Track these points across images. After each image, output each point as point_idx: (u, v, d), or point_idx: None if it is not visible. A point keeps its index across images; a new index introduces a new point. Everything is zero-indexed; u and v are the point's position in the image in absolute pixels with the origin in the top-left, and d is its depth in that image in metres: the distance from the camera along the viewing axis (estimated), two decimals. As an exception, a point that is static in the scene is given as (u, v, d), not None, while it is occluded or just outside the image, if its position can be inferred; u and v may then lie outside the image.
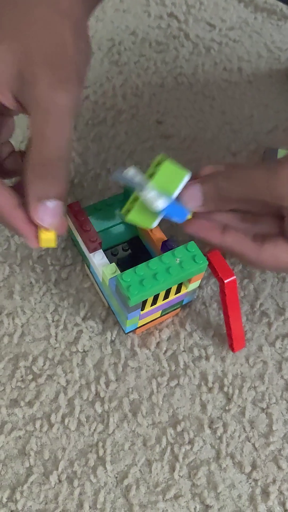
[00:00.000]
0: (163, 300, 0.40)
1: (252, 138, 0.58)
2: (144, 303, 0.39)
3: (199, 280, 0.41)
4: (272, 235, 0.40)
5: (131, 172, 0.36)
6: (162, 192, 0.36)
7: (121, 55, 0.64)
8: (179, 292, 0.41)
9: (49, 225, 0.33)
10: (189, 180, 0.37)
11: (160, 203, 0.35)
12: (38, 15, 0.33)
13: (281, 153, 0.55)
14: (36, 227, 0.34)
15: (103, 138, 0.56)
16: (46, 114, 0.32)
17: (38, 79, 0.31)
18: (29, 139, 0.33)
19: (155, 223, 0.37)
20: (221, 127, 0.58)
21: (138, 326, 0.42)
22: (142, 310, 0.39)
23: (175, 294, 0.40)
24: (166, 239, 0.42)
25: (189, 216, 0.38)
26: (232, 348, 0.44)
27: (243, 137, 0.58)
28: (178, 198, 0.37)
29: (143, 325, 0.42)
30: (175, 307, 0.43)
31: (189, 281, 0.40)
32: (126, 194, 0.44)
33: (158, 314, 0.42)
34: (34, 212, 0.33)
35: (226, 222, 0.40)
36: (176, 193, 0.37)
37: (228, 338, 0.44)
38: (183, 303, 0.44)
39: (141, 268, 0.37)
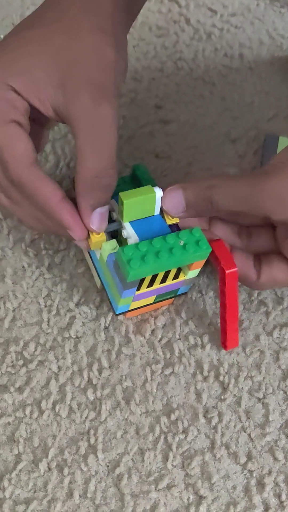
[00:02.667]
0: (160, 283, 0.39)
1: (252, 125, 0.57)
2: (140, 283, 0.38)
3: (198, 269, 0.39)
4: (267, 251, 0.40)
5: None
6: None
7: (120, 38, 0.62)
8: (177, 278, 0.39)
9: (101, 229, 0.36)
10: (172, 185, 0.38)
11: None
12: (84, 32, 0.34)
13: (281, 140, 0.54)
14: (81, 223, 0.35)
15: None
16: (93, 127, 0.33)
17: (82, 92, 0.32)
18: (78, 152, 0.33)
19: None
20: (221, 113, 0.57)
21: (129, 309, 0.41)
22: (137, 290, 0.38)
23: (173, 279, 0.39)
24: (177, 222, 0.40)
25: (176, 220, 0.39)
26: (224, 345, 0.42)
27: (243, 124, 0.57)
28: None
29: (135, 309, 0.41)
30: (169, 296, 0.42)
31: (189, 267, 0.39)
32: (132, 176, 0.43)
33: (152, 299, 0.41)
34: (88, 220, 0.35)
35: (224, 237, 0.40)
36: (157, 210, 0.38)
37: (222, 334, 0.42)
38: (178, 293, 0.42)
39: (144, 244, 0.36)
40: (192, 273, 0.40)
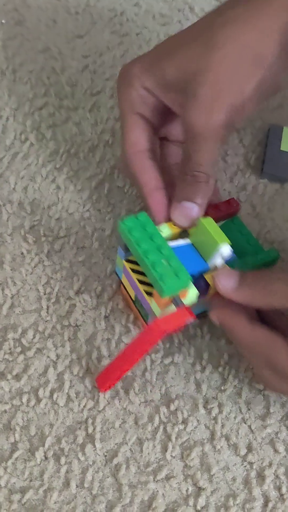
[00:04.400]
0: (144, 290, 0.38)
1: (256, 115, 0.56)
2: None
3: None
4: None
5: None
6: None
7: (123, 25, 0.61)
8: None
9: (179, 222, 0.38)
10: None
11: None
12: (219, 44, 0.37)
13: (286, 130, 0.53)
14: (165, 212, 0.39)
15: (102, 108, 0.54)
16: (198, 136, 0.37)
17: (199, 102, 0.37)
18: (184, 150, 0.39)
19: None
20: (225, 103, 0.56)
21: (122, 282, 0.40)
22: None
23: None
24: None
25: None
26: (97, 380, 0.39)
27: (247, 114, 0.56)
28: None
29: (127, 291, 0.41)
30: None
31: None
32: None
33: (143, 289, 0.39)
34: (172, 209, 0.38)
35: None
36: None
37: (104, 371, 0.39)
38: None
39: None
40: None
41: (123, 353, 0.37)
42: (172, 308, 0.35)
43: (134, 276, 0.38)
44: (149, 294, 0.38)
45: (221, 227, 0.39)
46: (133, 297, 0.40)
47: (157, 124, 0.42)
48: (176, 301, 0.35)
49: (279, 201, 0.50)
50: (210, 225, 0.37)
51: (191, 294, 0.37)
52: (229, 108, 0.37)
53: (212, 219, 0.38)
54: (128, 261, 0.39)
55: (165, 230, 0.38)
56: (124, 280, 0.41)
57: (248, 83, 0.37)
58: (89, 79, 0.56)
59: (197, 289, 0.37)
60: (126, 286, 0.41)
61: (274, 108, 0.56)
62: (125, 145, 0.40)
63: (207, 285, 0.37)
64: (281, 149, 0.52)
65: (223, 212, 0.41)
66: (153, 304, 0.37)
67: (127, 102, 0.40)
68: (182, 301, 0.36)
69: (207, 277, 0.37)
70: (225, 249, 0.37)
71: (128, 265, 0.39)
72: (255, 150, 0.53)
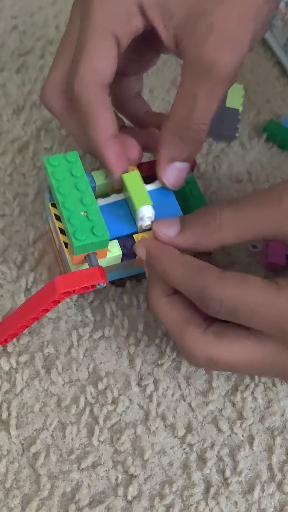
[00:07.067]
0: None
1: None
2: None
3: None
4: None
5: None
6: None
7: (56, -16, 0.57)
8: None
9: (172, 186, 0.33)
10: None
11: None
12: None
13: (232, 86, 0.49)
14: (125, 164, 0.32)
15: (30, 69, 0.49)
16: (204, 75, 0.30)
17: (212, 35, 0.29)
18: (177, 96, 0.31)
19: None
20: (167, 59, 0.52)
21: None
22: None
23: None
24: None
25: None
26: None
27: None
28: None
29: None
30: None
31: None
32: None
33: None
34: (162, 172, 0.33)
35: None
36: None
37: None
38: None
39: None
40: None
41: (22, 307, 0.32)
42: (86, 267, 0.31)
43: (57, 224, 0.34)
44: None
45: None
46: (58, 247, 0.36)
47: (124, 57, 0.33)
48: (91, 259, 0.31)
49: (225, 161, 0.46)
50: (132, 183, 0.32)
51: (113, 254, 0.32)
52: (242, 54, 0.31)
53: (137, 172, 0.33)
54: (55, 205, 0.34)
55: (101, 178, 0.34)
56: (51, 226, 0.36)
57: (247, 35, 0.31)
58: (18, 39, 0.51)
59: (123, 251, 0.32)
60: (52, 233, 0.36)
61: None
62: (84, 70, 0.30)
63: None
64: (226, 105, 0.48)
65: None
66: (69, 258, 0.32)
67: (106, 14, 0.30)
68: (97, 261, 0.31)
69: (137, 237, 0.33)
70: (146, 212, 0.32)
71: (53, 210, 0.34)
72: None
